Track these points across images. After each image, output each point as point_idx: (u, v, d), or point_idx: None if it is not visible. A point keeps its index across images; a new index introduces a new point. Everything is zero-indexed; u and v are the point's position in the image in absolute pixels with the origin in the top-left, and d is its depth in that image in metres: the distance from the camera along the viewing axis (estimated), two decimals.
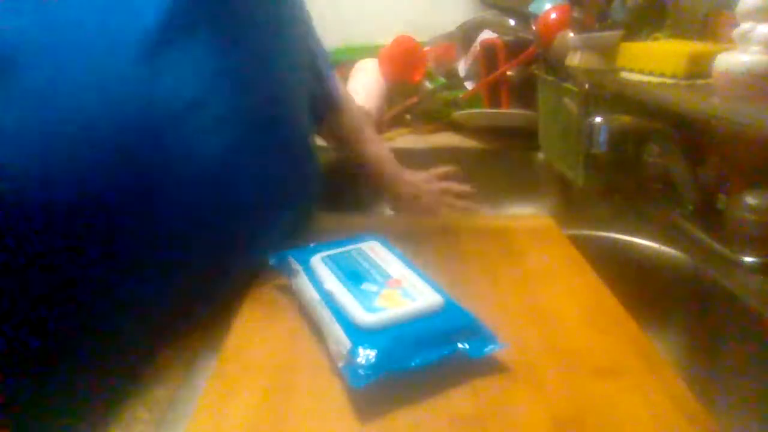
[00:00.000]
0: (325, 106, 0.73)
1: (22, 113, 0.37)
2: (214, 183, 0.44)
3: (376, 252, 0.47)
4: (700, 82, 0.61)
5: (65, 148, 0.38)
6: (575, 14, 0.86)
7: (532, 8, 1.12)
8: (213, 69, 0.44)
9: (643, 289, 0.64)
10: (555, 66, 0.90)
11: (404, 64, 1.22)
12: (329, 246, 0.49)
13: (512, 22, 1.21)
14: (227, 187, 0.45)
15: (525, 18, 1.15)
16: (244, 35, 0.48)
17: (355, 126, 0.81)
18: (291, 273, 0.47)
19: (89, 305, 0.42)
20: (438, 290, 0.41)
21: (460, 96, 1.19)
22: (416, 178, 0.81)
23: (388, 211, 0.83)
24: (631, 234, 0.69)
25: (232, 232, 0.47)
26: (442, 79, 1.28)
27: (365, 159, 0.81)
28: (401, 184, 0.80)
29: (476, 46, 1.18)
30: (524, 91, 1.07)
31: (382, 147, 0.84)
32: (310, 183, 0.59)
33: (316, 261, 0.46)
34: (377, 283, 0.42)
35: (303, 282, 0.45)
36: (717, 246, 0.62)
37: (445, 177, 0.84)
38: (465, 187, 0.83)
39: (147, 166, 0.40)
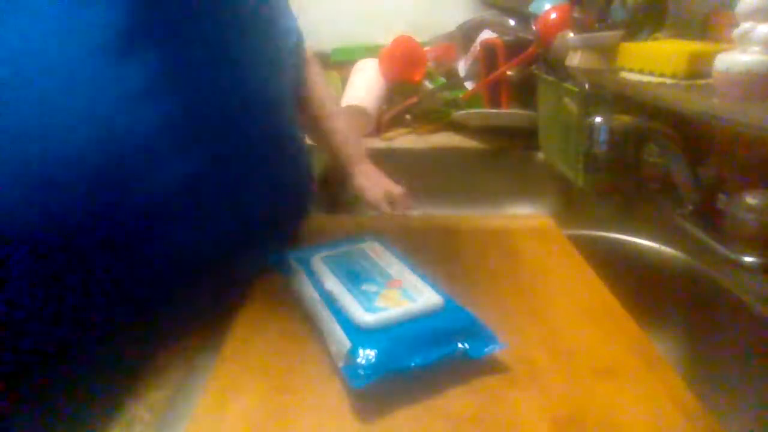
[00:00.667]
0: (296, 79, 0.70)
1: None
2: (196, 195, 0.43)
3: (376, 252, 0.47)
4: (700, 82, 0.61)
5: (36, 178, 0.37)
6: (575, 14, 0.86)
7: (532, 8, 1.12)
8: (181, 83, 0.43)
9: (643, 289, 0.64)
10: (555, 66, 0.90)
11: (404, 64, 1.22)
12: (329, 246, 0.49)
13: (512, 22, 1.21)
14: (210, 197, 0.45)
15: (525, 18, 1.16)
16: (210, 42, 0.46)
17: (321, 99, 0.79)
18: (291, 273, 0.47)
19: (88, 306, 0.42)
20: (438, 290, 0.41)
21: (460, 96, 1.19)
22: (371, 171, 0.80)
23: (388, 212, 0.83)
24: (631, 234, 0.69)
25: (226, 238, 0.46)
26: (442, 79, 1.28)
27: (328, 134, 0.79)
28: (355, 169, 0.79)
29: (476, 46, 1.18)
30: (524, 91, 1.07)
31: (342, 125, 0.81)
32: (301, 184, 0.59)
33: (316, 261, 0.46)
34: (377, 283, 0.42)
35: (303, 282, 0.45)
36: (717, 246, 0.62)
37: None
38: (403, 193, 0.80)
39: (128, 186, 0.40)
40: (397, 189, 0.78)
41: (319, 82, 0.81)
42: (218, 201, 0.45)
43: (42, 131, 0.37)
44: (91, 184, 0.38)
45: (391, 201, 0.77)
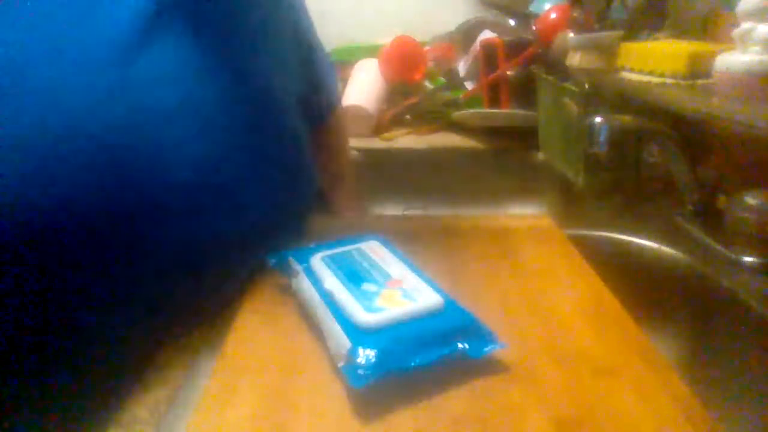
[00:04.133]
0: (319, 117, 0.73)
1: None
2: (203, 189, 0.43)
3: (376, 252, 0.47)
4: (700, 82, 0.61)
5: (49, 164, 0.37)
6: (575, 14, 0.86)
7: (532, 8, 1.12)
8: (194, 72, 0.44)
9: (643, 289, 0.64)
10: (555, 66, 0.90)
11: (404, 64, 1.21)
12: (329, 246, 0.49)
13: (512, 22, 1.21)
14: (216, 192, 0.45)
15: (525, 18, 1.16)
16: (227, 36, 0.47)
17: (339, 147, 0.81)
18: (291, 273, 0.47)
19: (89, 306, 0.42)
20: (438, 290, 0.41)
21: (460, 96, 1.19)
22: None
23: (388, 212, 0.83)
24: (631, 234, 0.69)
25: (229, 235, 0.46)
26: (442, 79, 1.28)
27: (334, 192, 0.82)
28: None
29: (476, 46, 1.18)
30: (524, 91, 1.07)
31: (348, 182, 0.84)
32: (304, 184, 0.59)
33: (316, 261, 0.46)
34: (377, 283, 0.42)
35: (303, 282, 0.45)
36: (717, 246, 0.62)
37: None
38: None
39: (136, 174, 0.40)
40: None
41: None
42: (224, 197, 0.45)
43: (60, 112, 0.38)
44: (103, 170, 0.39)
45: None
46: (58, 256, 0.39)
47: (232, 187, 0.46)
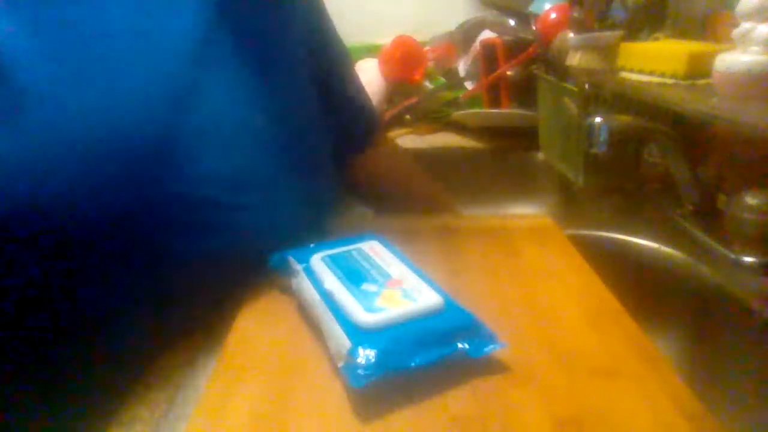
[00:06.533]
0: (362, 139, 0.71)
1: (31, 141, 0.37)
2: (223, 201, 0.44)
3: (376, 252, 0.47)
4: (700, 82, 0.61)
5: (77, 171, 0.38)
6: (575, 14, 0.86)
7: (532, 8, 1.12)
8: (232, 92, 0.45)
9: (643, 289, 0.64)
10: (555, 66, 0.90)
11: (404, 64, 1.22)
12: (329, 246, 0.49)
13: (512, 22, 1.21)
14: (237, 204, 0.45)
15: (525, 18, 1.16)
16: (262, 57, 0.49)
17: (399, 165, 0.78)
18: (291, 273, 0.47)
19: (89, 306, 0.42)
20: (438, 290, 0.41)
21: (460, 96, 1.19)
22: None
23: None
24: (631, 234, 0.69)
25: (238, 242, 0.47)
26: (442, 79, 1.28)
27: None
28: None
29: (476, 46, 1.18)
30: (524, 91, 1.07)
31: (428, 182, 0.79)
32: (324, 200, 0.59)
33: (316, 261, 0.46)
34: (377, 283, 0.42)
35: (303, 282, 0.45)
36: (717, 246, 0.62)
37: None
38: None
39: (157, 184, 0.41)
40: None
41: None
42: (228, 216, 0.45)
43: (107, 118, 0.39)
44: (131, 174, 0.39)
45: None
46: (62, 257, 0.39)
47: (254, 206, 0.46)
